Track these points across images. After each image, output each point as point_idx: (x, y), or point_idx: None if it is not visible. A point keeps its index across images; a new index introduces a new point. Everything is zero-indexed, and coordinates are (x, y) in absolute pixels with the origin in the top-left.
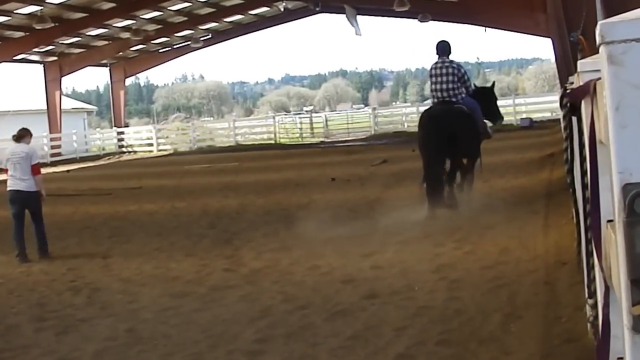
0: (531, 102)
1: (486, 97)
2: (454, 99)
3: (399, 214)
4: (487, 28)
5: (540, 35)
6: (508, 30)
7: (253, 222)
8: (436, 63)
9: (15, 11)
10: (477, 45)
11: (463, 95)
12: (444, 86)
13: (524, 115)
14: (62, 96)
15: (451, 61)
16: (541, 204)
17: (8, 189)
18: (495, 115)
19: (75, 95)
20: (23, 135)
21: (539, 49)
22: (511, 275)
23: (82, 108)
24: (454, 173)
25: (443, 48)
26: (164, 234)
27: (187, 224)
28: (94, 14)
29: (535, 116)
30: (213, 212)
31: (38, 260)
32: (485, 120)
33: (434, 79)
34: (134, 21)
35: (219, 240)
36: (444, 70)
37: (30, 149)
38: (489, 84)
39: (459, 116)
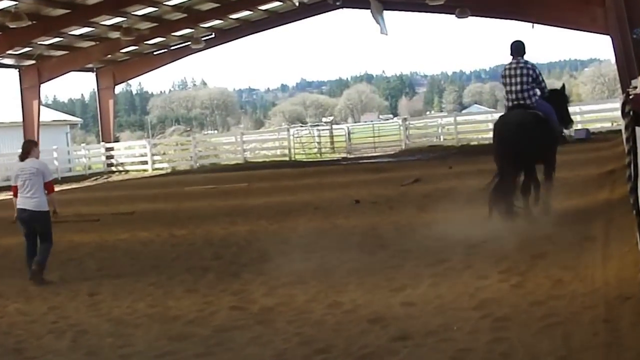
0: (587, 110)
1: (557, 99)
2: (528, 102)
3: (434, 242)
4: (534, 24)
5: (598, 33)
6: (559, 26)
7: (265, 252)
8: (510, 64)
9: None
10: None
11: (537, 98)
12: (518, 87)
13: (579, 126)
14: (41, 106)
15: (526, 62)
16: (600, 228)
17: (17, 206)
18: (566, 120)
19: (56, 105)
20: (29, 150)
21: (597, 48)
22: (566, 312)
23: (65, 120)
24: (530, 183)
25: (517, 48)
26: (160, 267)
27: (188, 255)
28: (77, 10)
29: (593, 127)
30: (218, 240)
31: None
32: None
33: (507, 80)
34: (124, 18)
35: (225, 273)
36: (518, 72)
37: (41, 164)
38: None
39: (535, 122)
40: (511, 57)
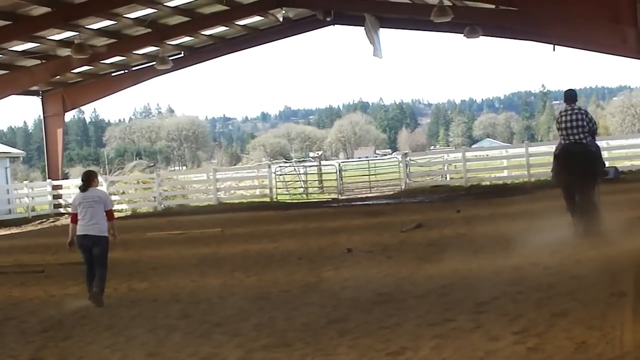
0: (616, 145)
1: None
2: (584, 140)
3: (439, 297)
4: (555, 46)
5: (629, 56)
6: (584, 48)
7: (241, 308)
8: (565, 110)
9: None
10: (543, 68)
11: (589, 139)
12: (574, 130)
13: (607, 164)
14: None
15: (579, 108)
16: (629, 282)
17: (77, 233)
18: None
19: None
20: (90, 180)
21: (627, 74)
22: None
23: (4, 152)
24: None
25: (571, 96)
26: (117, 327)
27: (150, 313)
28: (20, 21)
29: (622, 165)
30: (186, 295)
31: (88, 298)
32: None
33: (564, 124)
34: (76, 33)
35: (194, 334)
36: (573, 117)
37: (102, 193)
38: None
39: (590, 155)
40: (565, 104)
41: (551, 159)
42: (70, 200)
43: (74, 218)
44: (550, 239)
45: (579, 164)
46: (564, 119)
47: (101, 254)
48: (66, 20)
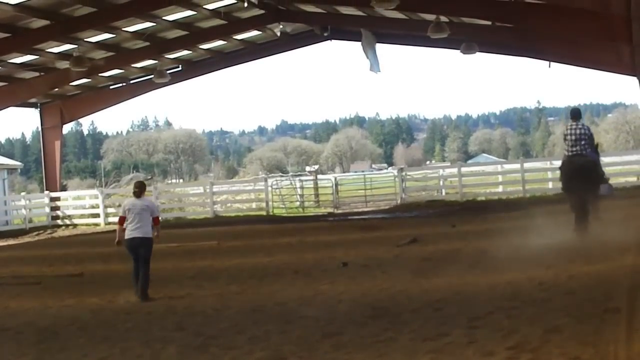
0: (610, 162)
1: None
2: (584, 152)
3: (433, 312)
4: (551, 62)
5: (624, 73)
6: (579, 65)
7: (236, 322)
8: (571, 125)
9: None
10: (538, 85)
11: (590, 150)
12: (577, 142)
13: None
14: None
15: (582, 124)
16: (624, 298)
17: (126, 237)
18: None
19: None
20: (142, 189)
21: (622, 91)
22: None
23: (2, 164)
24: (587, 208)
25: (576, 114)
26: (113, 339)
27: (146, 325)
28: (19, 34)
29: (616, 181)
30: (181, 308)
31: (139, 301)
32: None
33: (569, 137)
34: (75, 46)
35: (189, 347)
36: (577, 131)
37: (150, 202)
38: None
39: (591, 164)
40: (571, 120)
41: (545, 175)
42: (68, 212)
43: (122, 220)
44: (545, 254)
45: (581, 172)
46: (569, 131)
47: (146, 255)
48: (65, 33)
